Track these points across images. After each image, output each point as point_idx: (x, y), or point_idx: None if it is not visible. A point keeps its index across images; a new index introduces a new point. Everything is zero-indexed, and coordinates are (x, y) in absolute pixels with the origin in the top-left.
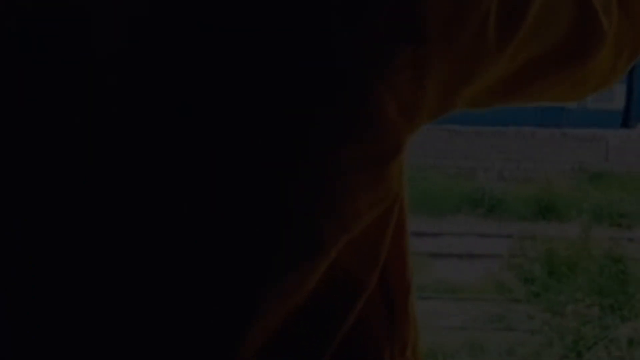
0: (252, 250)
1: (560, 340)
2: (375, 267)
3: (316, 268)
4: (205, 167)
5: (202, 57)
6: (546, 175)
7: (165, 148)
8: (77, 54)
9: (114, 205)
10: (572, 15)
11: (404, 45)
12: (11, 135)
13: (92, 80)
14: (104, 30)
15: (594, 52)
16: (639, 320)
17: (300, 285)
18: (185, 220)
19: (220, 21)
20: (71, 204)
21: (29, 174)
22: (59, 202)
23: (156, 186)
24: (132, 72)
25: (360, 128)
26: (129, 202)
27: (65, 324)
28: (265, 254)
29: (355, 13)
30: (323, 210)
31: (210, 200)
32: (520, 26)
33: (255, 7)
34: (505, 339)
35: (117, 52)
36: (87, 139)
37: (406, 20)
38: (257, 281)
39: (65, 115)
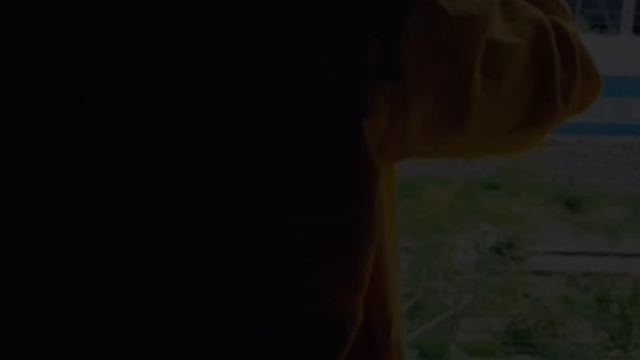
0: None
1: None
2: (359, 295)
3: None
4: (204, 171)
5: (193, 72)
6: None
7: (161, 153)
8: (84, 61)
9: (112, 207)
10: (531, 92)
11: (383, 81)
12: (12, 136)
13: (93, 85)
14: (114, 43)
15: (541, 127)
16: None
17: (272, 283)
18: (179, 224)
19: (213, 38)
20: (70, 206)
21: (29, 174)
22: (59, 203)
23: (153, 189)
24: (131, 76)
25: (342, 156)
26: (126, 204)
27: (63, 323)
28: (246, 254)
29: (344, 52)
30: (290, 212)
31: (202, 204)
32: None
33: (247, 32)
34: None
35: (121, 63)
36: (86, 141)
37: (387, 59)
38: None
39: (65, 116)
